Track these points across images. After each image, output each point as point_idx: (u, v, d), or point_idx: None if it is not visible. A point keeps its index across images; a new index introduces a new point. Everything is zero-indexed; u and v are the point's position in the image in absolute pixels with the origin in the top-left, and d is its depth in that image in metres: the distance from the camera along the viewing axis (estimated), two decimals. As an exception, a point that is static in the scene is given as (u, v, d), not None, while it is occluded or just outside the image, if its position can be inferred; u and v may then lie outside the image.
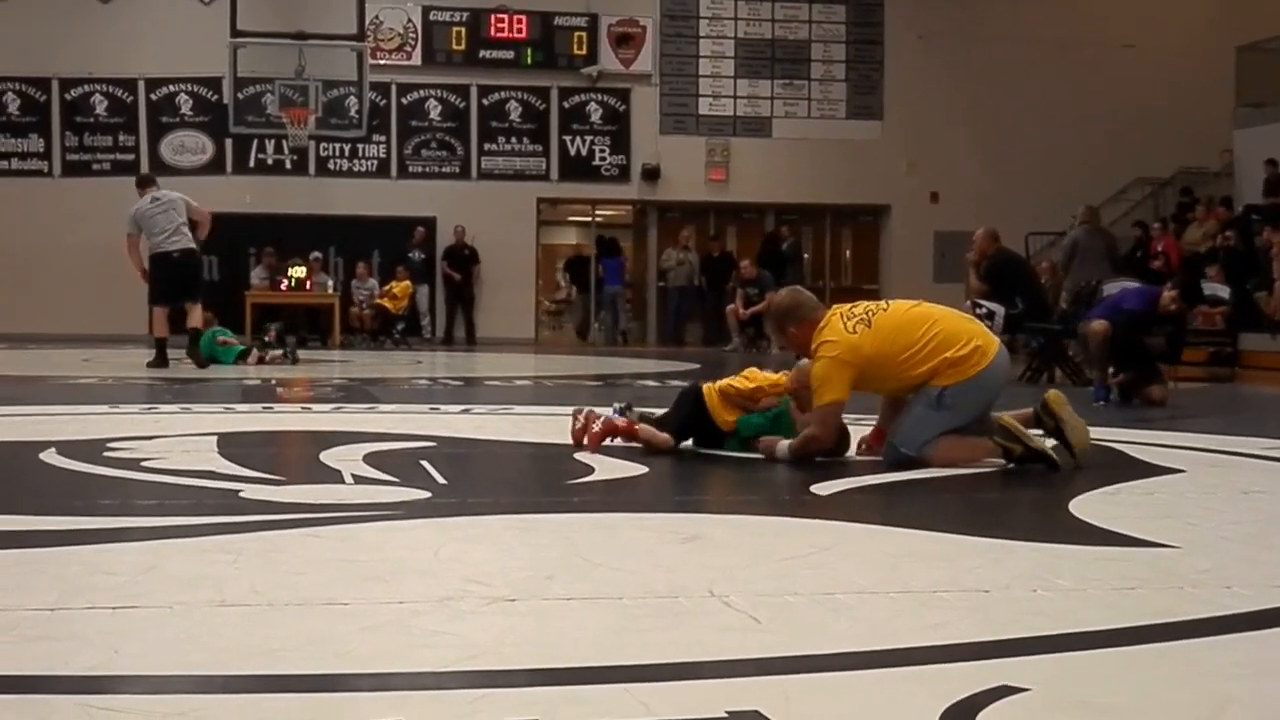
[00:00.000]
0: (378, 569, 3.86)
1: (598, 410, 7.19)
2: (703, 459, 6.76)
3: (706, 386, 7.01)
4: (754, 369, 7.18)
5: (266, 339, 17.13)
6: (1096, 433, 6.78)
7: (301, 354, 17.23)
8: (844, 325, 6.45)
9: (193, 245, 14.86)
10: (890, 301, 6.75)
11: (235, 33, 20.07)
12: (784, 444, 6.54)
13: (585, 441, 6.96)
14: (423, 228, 24.68)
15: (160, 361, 14.51)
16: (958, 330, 6.47)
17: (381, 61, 24.10)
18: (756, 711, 2.54)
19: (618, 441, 7.01)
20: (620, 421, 7.05)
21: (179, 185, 23.74)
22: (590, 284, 26.81)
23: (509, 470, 6.86)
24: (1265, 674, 2.92)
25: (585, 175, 25.73)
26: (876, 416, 6.87)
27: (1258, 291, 18.26)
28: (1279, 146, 21.60)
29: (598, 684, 2.77)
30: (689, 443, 7.00)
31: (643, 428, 6.98)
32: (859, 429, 6.93)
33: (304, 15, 21.03)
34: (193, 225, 14.96)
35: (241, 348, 16.26)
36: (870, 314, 6.49)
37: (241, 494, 5.32)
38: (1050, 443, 6.34)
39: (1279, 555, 4.33)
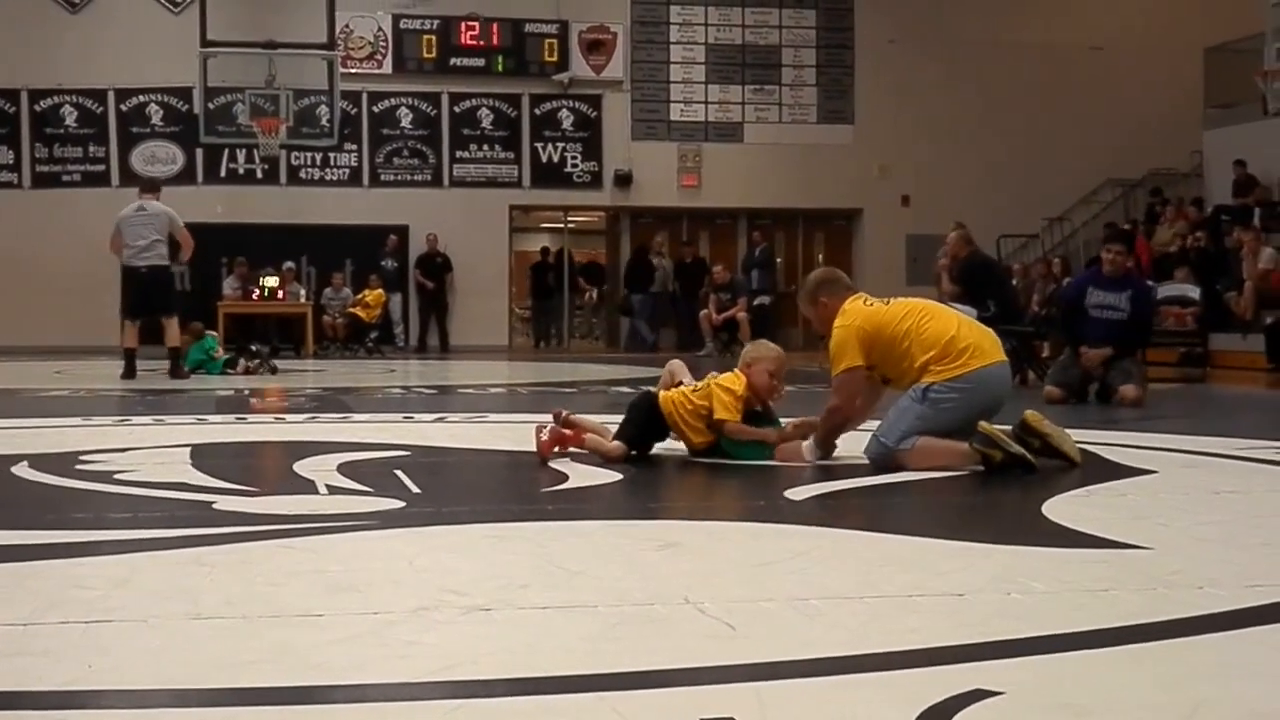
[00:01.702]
0: (352, 580, 3.86)
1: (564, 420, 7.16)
2: (677, 466, 6.76)
3: (663, 395, 6.98)
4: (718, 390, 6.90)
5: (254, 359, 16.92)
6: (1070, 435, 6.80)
7: (275, 364, 17.19)
8: (862, 303, 6.71)
9: (164, 262, 14.77)
10: (914, 299, 6.94)
11: (205, 42, 20.04)
12: (805, 444, 6.60)
13: (536, 449, 6.93)
14: (395, 236, 24.68)
15: (129, 373, 14.51)
16: (954, 328, 6.54)
17: (352, 70, 24.09)
18: (732, 718, 2.54)
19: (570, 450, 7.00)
20: (567, 431, 7.00)
21: (150, 196, 23.97)
22: (563, 291, 26.95)
23: (484, 479, 6.86)
24: (1238, 675, 2.94)
25: (557, 182, 25.74)
26: (875, 424, 6.86)
27: (1228, 292, 18.34)
28: (1248, 147, 21.71)
29: (573, 693, 2.77)
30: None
31: (589, 437, 6.94)
32: (860, 435, 6.93)
33: (274, 24, 21.02)
34: (174, 244, 14.90)
35: (227, 357, 16.35)
36: (890, 299, 6.80)
37: (215, 505, 5.30)
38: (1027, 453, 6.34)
39: (1251, 555, 4.35)
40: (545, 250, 27.82)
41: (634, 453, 6.87)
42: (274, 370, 16.41)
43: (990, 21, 25.88)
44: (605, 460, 6.71)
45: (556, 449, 6.88)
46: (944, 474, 6.21)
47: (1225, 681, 2.88)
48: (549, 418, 7.19)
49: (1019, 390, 11.97)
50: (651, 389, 7.16)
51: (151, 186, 15.39)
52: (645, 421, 6.93)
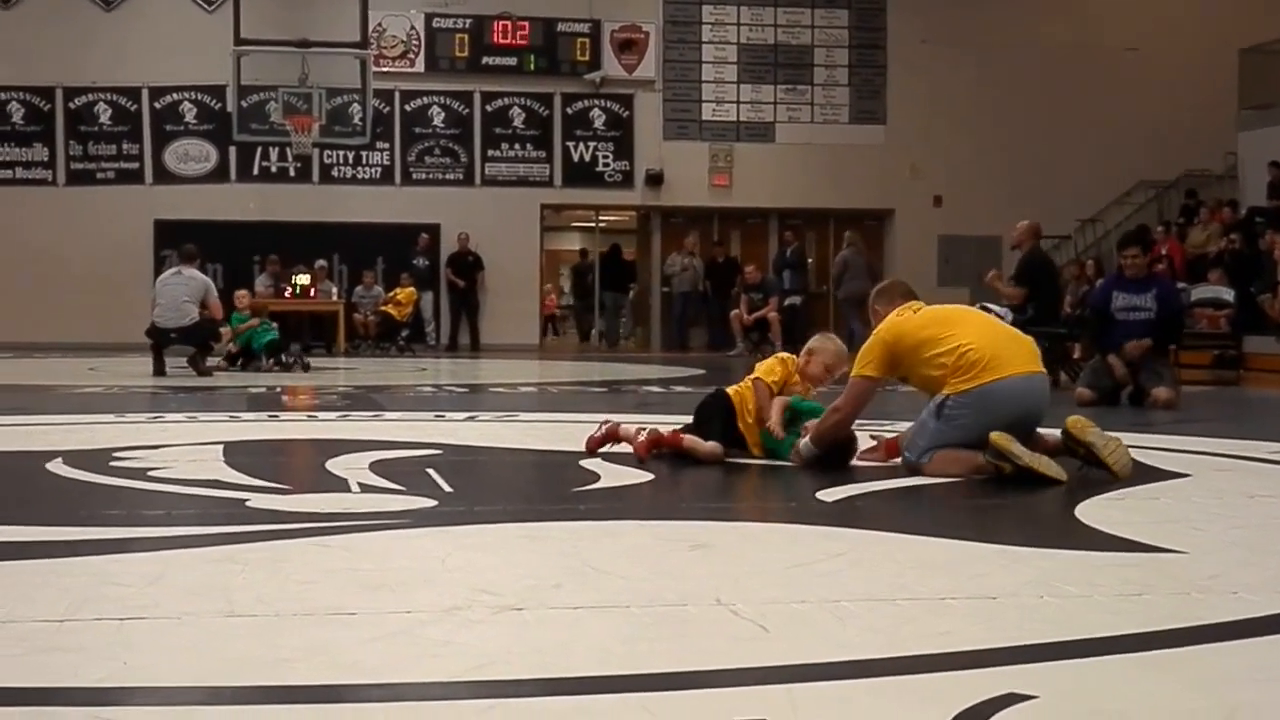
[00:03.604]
0: (385, 578, 3.87)
1: (621, 423, 7.16)
2: (707, 466, 6.75)
3: (732, 390, 6.99)
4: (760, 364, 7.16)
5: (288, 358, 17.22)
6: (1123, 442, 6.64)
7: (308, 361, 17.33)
8: (896, 313, 6.65)
9: (192, 323, 14.89)
10: (956, 305, 6.91)
11: (239, 41, 20.11)
12: (801, 442, 6.54)
13: (632, 450, 6.91)
14: (427, 234, 24.71)
15: (159, 369, 14.64)
16: (970, 340, 6.38)
17: (385, 69, 24.12)
18: (764, 720, 2.55)
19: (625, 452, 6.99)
20: (665, 432, 6.99)
21: (183, 193, 24.19)
22: (595, 289, 27.05)
23: (515, 478, 6.87)
24: (1273, 679, 2.92)
25: (589, 181, 25.73)
26: (890, 423, 6.85)
27: (1261, 294, 18.24)
28: (1283, 149, 21.59)
29: (606, 693, 2.78)
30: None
31: (688, 438, 6.91)
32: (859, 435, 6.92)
33: (307, 23, 21.08)
34: (203, 307, 15.09)
35: (271, 337, 16.79)
36: (924, 307, 6.70)
37: (248, 503, 5.32)
38: (1049, 464, 6.15)
39: (1286, 560, 4.33)
40: (584, 252, 28.08)
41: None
42: (306, 368, 16.55)
43: (1023, 21, 25.79)
44: (704, 460, 6.73)
45: (654, 450, 6.89)
46: (975, 478, 6.17)
47: (1261, 687, 2.86)
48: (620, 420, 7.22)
49: (1055, 389, 11.95)
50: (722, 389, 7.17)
51: (189, 256, 15.58)
52: (725, 418, 6.93)
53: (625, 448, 6.98)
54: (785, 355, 7.10)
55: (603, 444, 7.01)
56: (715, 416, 6.96)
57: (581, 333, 28.20)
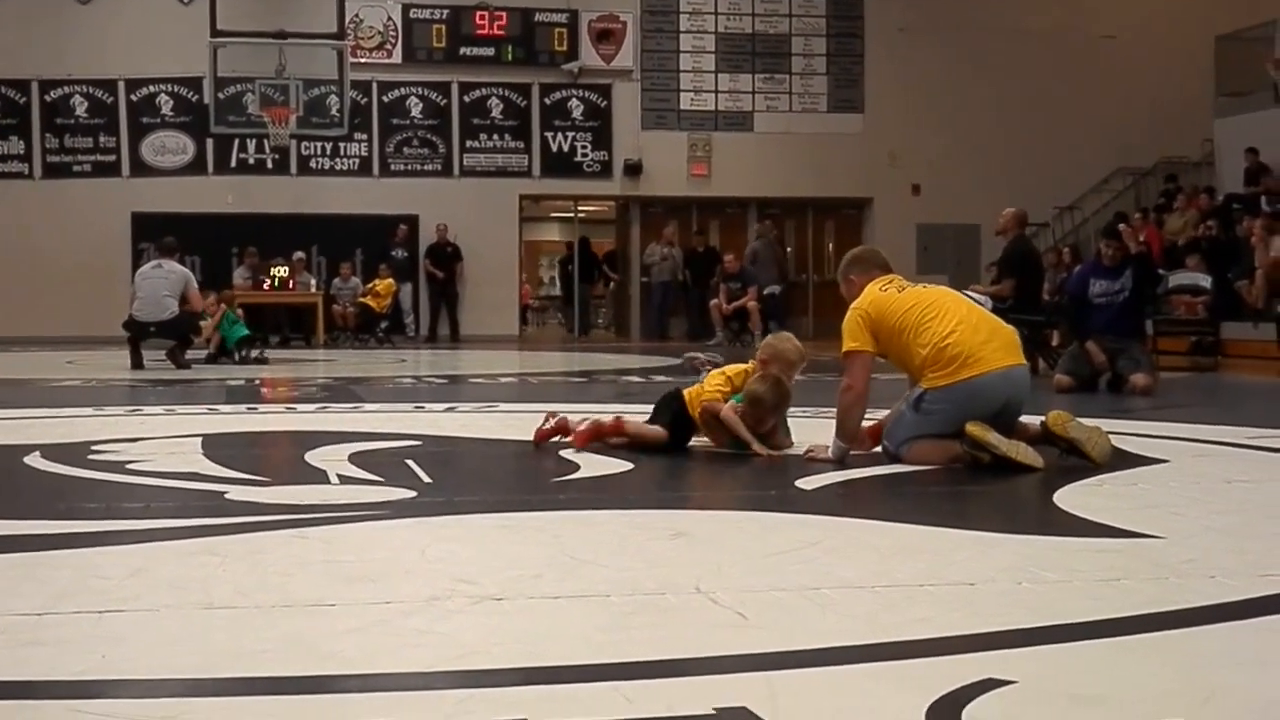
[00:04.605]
0: (364, 569, 3.87)
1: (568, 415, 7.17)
2: (688, 456, 6.76)
3: (686, 392, 6.98)
4: (713, 373, 7.13)
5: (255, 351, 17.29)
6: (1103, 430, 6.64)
7: (285, 354, 17.34)
8: (879, 288, 6.58)
9: (172, 317, 14.89)
10: (938, 286, 6.84)
11: (215, 32, 20.03)
12: (833, 445, 6.37)
13: (570, 440, 6.93)
14: (405, 225, 24.63)
15: (136, 363, 14.62)
16: (950, 332, 6.33)
17: (362, 60, 24.04)
18: (744, 708, 2.55)
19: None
20: (607, 420, 7.00)
21: (160, 186, 24.11)
22: (575, 280, 27.08)
23: (495, 468, 6.86)
24: (1251, 663, 2.94)
25: (567, 171, 25.70)
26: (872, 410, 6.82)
27: (1239, 280, 18.30)
28: (1259, 135, 21.64)
29: (585, 682, 2.78)
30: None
31: (630, 423, 6.94)
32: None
33: (284, 14, 21.01)
34: (184, 300, 15.05)
35: (247, 333, 16.82)
36: (908, 285, 6.65)
37: (227, 495, 5.31)
38: (1026, 451, 6.09)
39: (1263, 544, 4.34)
40: (570, 243, 28.14)
41: (672, 441, 6.84)
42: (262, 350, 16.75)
43: (1001, 9, 25.80)
44: (645, 446, 6.74)
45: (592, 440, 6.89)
46: (954, 465, 6.17)
47: (1238, 670, 2.88)
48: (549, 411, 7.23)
49: (1034, 376, 12.00)
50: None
51: (169, 250, 15.58)
52: (679, 413, 6.91)
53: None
54: (729, 371, 7.00)
55: (550, 437, 7.02)
56: (665, 409, 6.96)
57: (568, 325, 28.41)
